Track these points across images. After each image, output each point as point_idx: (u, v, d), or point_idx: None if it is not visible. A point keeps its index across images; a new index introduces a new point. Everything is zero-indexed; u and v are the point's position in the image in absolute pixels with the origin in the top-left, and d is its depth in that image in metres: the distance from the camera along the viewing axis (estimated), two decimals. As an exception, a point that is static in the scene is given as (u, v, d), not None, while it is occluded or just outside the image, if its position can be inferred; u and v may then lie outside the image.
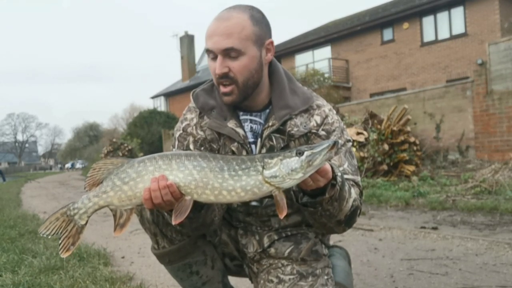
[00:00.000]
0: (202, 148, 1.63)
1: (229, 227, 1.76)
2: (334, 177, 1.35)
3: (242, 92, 1.52)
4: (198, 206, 1.40)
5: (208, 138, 1.62)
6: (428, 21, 17.50)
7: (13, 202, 9.52)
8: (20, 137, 75.04)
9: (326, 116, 1.62)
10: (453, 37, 16.67)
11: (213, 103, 1.62)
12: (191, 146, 1.64)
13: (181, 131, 1.69)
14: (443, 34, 17.00)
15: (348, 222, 1.50)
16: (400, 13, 17.88)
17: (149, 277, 3.06)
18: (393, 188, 7.68)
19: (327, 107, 1.65)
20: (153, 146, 24.59)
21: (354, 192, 1.49)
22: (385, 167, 8.74)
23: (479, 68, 11.05)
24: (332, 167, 1.33)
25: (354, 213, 1.50)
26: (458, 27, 16.55)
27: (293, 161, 1.25)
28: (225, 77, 1.48)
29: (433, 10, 17.20)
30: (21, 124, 73.45)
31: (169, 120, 26.67)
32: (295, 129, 1.57)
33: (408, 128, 9.37)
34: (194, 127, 1.66)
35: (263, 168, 1.28)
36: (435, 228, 4.58)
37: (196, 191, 1.30)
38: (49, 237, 1.35)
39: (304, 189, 1.36)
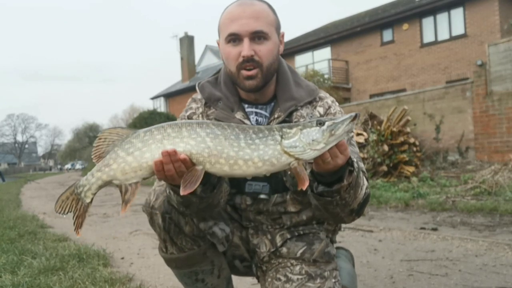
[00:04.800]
0: None
1: (240, 229, 1.73)
2: (351, 162, 1.32)
3: (265, 77, 1.52)
4: (210, 185, 1.37)
5: None
6: (428, 22, 17.52)
7: (12, 203, 9.51)
8: (19, 138, 75.13)
9: (329, 107, 1.64)
10: (452, 38, 16.68)
11: (219, 94, 1.62)
12: None
13: (186, 119, 1.66)
14: (443, 35, 17.02)
15: (359, 211, 1.47)
16: (399, 14, 17.90)
17: (148, 278, 3.05)
18: (392, 189, 7.68)
19: (329, 98, 1.68)
20: (153, 147, 24.57)
21: (365, 179, 1.47)
22: (384, 168, 8.74)
23: (479, 69, 11.05)
24: None
25: (366, 201, 1.47)
26: (458, 28, 16.56)
27: (314, 131, 1.20)
28: (251, 61, 1.48)
29: (432, 11, 17.21)
30: (20, 125, 73.54)
31: (169, 121, 26.64)
32: (301, 120, 1.57)
33: (408, 129, 9.37)
34: (200, 116, 1.65)
35: (281, 137, 1.21)
36: (434, 229, 4.58)
37: (209, 160, 1.21)
38: (65, 216, 1.32)
39: (320, 171, 1.31)
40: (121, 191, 1.26)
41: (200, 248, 1.63)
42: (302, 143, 1.19)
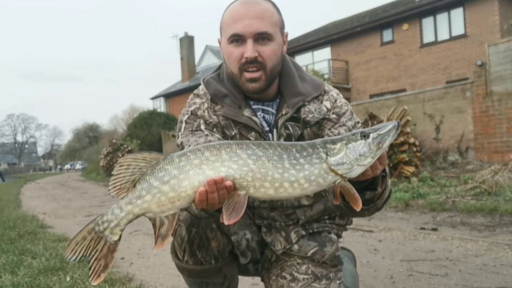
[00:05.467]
0: (215, 130, 1.56)
1: (257, 233, 1.70)
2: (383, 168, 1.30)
3: (268, 78, 1.50)
4: None
5: (222, 123, 1.57)
6: (427, 22, 17.52)
7: (12, 203, 9.50)
8: (19, 138, 75.12)
9: (335, 100, 1.63)
10: (452, 38, 16.69)
11: (225, 91, 1.58)
12: (202, 127, 1.56)
13: (189, 114, 1.60)
14: (443, 35, 17.02)
15: (381, 208, 1.47)
16: (399, 14, 17.90)
17: (148, 278, 3.05)
18: (392, 189, 7.66)
19: (334, 91, 1.67)
20: (153, 147, 24.58)
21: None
22: (384, 168, 8.73)
23: (479, 69, 11.06)
24: None
25: (388, 198, 1.46)
26: (458, 28, 16.57)
27: (360, 145, 1.13)
28: (254, 62, 1.45)
29: (432, 11, 17.22)
30: (20, 125, 73.53)
31: (168, 121, 26.66)
32: (310, 115, 1.55)
33: (408, 129, 9.36)
34: (206, 111, 1.59)
35: (327, 154, 1.13)
36: (434, 229, 4.57)
37: (254, 184, 1.11)
38: (77, 261, 1.12)
39: (355, 180, 1.23)
40: (154, 225, 1.11)
41: (218, 264, 1.61)
42: (349, 159, 1.12)
